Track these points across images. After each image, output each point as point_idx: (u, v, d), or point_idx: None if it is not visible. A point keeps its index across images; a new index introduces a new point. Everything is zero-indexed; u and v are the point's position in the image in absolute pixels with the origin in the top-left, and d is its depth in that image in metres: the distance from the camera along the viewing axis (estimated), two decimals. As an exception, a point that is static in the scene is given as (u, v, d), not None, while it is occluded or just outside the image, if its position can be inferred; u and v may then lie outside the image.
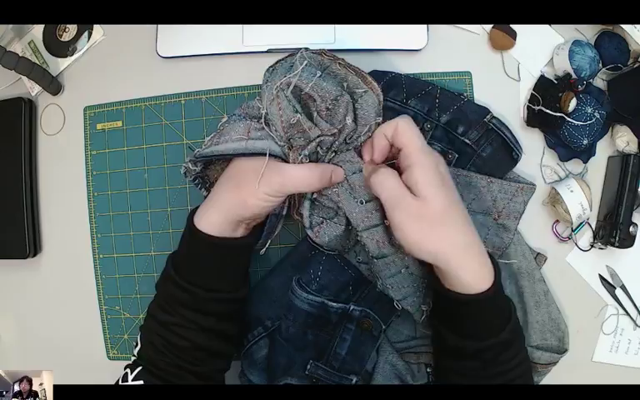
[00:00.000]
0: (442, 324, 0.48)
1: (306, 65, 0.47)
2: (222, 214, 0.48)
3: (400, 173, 0.46)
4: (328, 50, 0.49)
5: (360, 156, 0.50)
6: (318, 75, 0.47)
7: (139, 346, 0.50)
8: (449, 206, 0.44)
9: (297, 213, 0.53)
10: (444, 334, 0.47)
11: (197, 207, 0.50)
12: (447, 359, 0.49)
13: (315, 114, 0.48)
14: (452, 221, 0.44)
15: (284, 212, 0.51)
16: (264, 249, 0.54)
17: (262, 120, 0.49)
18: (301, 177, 0.47)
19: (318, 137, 0.48)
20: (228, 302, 0.50)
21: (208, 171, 0.54)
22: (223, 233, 0.48)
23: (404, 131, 0.45)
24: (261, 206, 0.47)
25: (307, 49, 0.49)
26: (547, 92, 0.56)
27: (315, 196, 0.51)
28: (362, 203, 0.49)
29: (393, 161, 0.49)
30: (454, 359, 0.47)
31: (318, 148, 0.49)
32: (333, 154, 0.50)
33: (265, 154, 0.47)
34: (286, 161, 0.49)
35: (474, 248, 0.45)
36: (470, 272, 0.44)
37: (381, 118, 0.49)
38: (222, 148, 0.48)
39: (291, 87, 0.46)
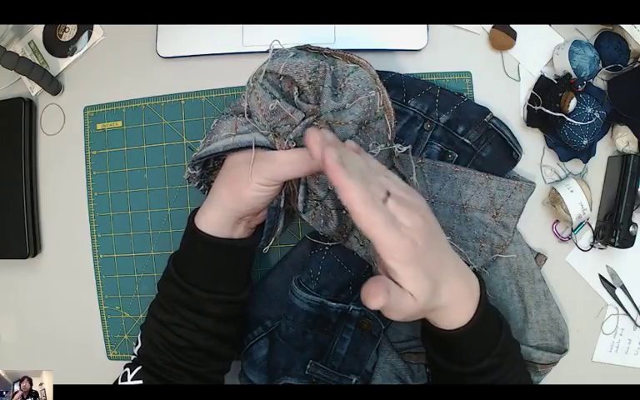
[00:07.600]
0: (430, 347, 0.47)
1: (280, 52, 0.47)
2: (219, 211, 0.48)
3: None
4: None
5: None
6: (291, 55, 0.47)
7: (139, 344, 0.50)
8: (437, 287, 0.40)
9: (295, 201, 0.52)
10: (432, 355, 0.46)
11: (198, 208, 0.50)
12: (438, 374, 0.48)
13: (296, 98, 0.48)
14: (438, 291, 0.41)
15: (282, 205, 0.51)
16: (267, 247, 0.53)
17: (245, 113, 0.49)
18: (290, 161, 0.47)
19: (303, 119, 0.47)
20: (228, 303, 0.50)
21: (212, 176, 0.54)
22: (223, 233, 0.48)
23: (385, 247, 0.37)
24: (255, 197, 0.47)
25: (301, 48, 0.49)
26: (547, 92, 0.56)
27: (306, 180, 0.50)
28: None
29: None
30: (444, 376, 0.46)
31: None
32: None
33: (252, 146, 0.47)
34: (274, 150, 0.48)
35: (458, 295, 0.42)
36: (451, 316, 0.42)
37: (374, 92, 0.47)
38: (212, 147, 0.48)
39: (262, 74, 0.47)
